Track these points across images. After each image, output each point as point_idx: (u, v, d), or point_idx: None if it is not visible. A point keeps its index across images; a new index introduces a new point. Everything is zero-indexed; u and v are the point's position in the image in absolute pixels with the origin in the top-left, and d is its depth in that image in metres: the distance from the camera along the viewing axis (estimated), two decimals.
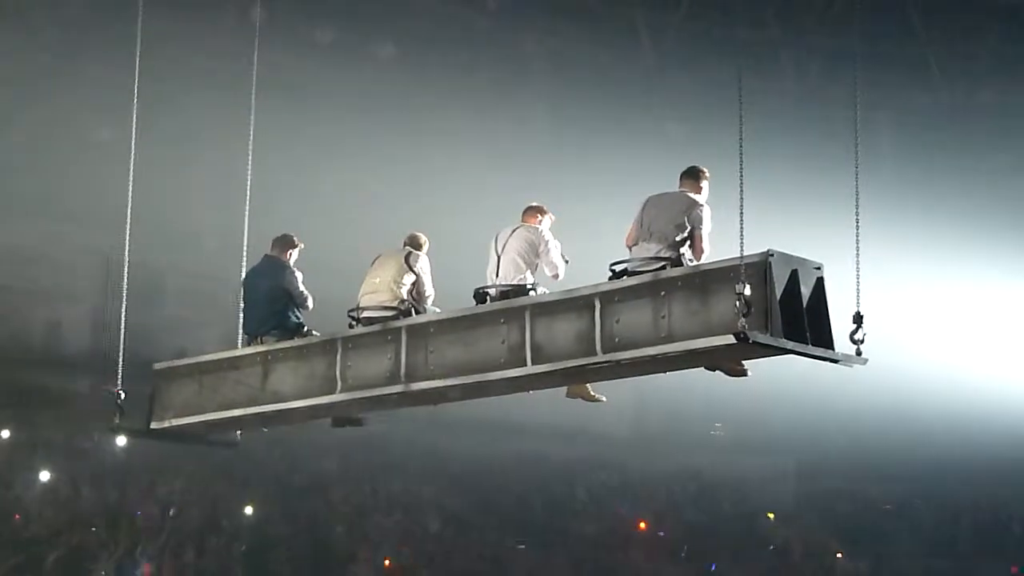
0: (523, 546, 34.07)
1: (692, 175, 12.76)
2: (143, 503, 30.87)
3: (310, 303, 14.31)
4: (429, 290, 13.55)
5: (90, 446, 30.82)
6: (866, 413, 25.18)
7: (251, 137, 15.23)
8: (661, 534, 36.75)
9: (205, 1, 20.67)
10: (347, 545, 32.41)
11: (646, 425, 31.25)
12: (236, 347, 14.58)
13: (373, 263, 13.72)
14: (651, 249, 12.25)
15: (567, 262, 13.28)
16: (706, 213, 12.34)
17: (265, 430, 16.11)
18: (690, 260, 12.18)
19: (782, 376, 12.56)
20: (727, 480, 37.16)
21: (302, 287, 14.28)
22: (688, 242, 12.26)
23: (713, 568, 36.25)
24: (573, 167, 18.65)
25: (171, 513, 30.86)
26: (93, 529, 29.46)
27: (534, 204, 13.46)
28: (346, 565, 31.66)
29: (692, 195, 12.57)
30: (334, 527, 32.63)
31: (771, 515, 39.27)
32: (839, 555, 38.21)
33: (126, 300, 15.16)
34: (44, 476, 30.38)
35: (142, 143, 16.36)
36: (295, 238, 14.50)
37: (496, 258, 13.02)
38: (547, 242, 13.11)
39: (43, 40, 26.86)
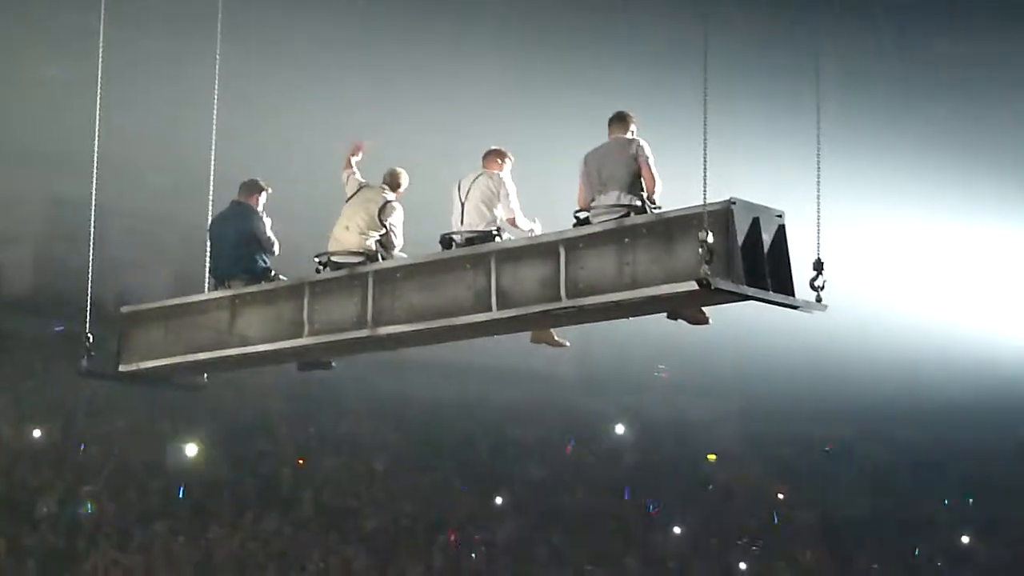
0: (465, 488, 34.37)
1: (620, 119, 12.95)
2: (86, 442, 30.98)
3: (276, 248, 14.36)
4: (399, 242, 13.67)
5: (33, 385, 30.88)
6: (810, 357, 25.39)
7: (216, 79, 15.26)
8: (604, 473, 37.13)
9: None
10: (292, 486, 32.68)
11: (591, 367, 31.25)
12: (203, 291, 14.63)
13: (349, 200, 13.75)
14: (611, 197, 12.41)
15: (534, 222, 13.34)
16: (645, 145, 12.56)
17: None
18: (647, 202, 12.43)
19: (729, 320, 12.78)
20: (670, 422, 37.46)
21: (269, 232, 14.32)
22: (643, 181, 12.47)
23: (653, 508, 36.69)
24: (536, 112, 18.65)
25: (114, 452, 31.04)
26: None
27: (494, 148, 13.57)
28: (289, 506, 31.88)
29: (625, 136, 12.82)
30: (280, 468, 32.88)
31: (712, 456, 39.74)
32: (780, 495, 38.79)
33: (92, 246, 15.13)
34: None
35: (93, 82, 16.42)
36: (262, 182, 14.50)
37: (460, 205, 13.15)
38: (506, 188, 13.21)
39: None
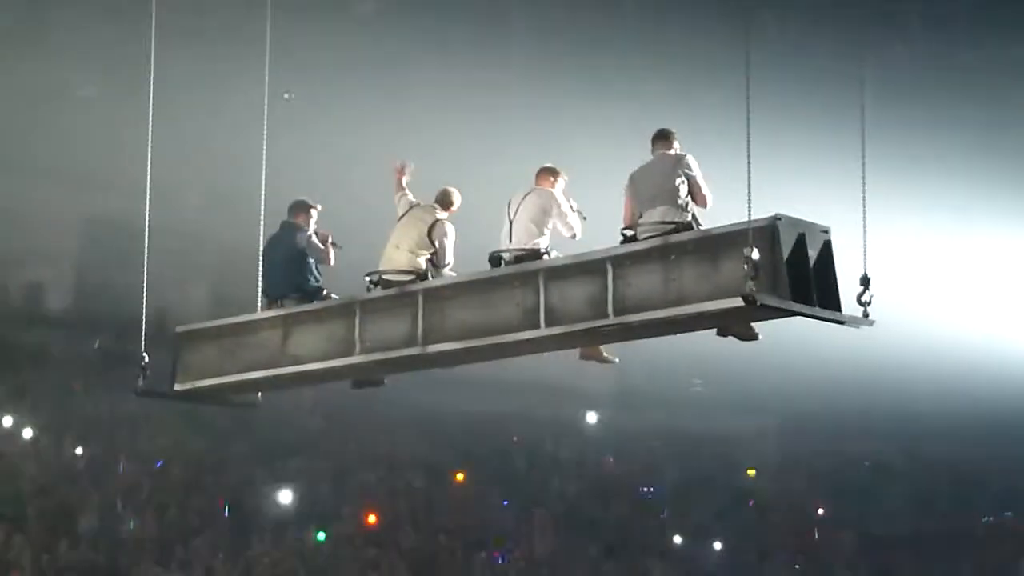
0: (507, 503, 34.51)
1: (663, 136, 13.07)
2: (127, 458, 31.18)
3: (332, 259, 14.65)
4: (449, 259, 13.89)
5: (73, 402, 31.06)
6: (851, 372, 25.46)
7: (266, 104, 15.54)
8: (645, 490, 37.30)
9: None
10: (332, 502, 32.89)
11: (628, 382, 31.39)
12: (255, 310, 14.83)
13: (401, 218, 14.03)
14: (657, 213, 12.52)
15: (584, 219, 13.57)
16: (692, 161, 12.71)
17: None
18: (693, 218, 12.60)
19: (768, 334, 12.92)
20: (709, 437, 37.56)
21: (321, 245, 14.56)
22: (689, 196, 12.68)
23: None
24: (581, 131, 18.72)
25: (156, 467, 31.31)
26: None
27: (547, 166, 13.70)
28: (331, 521, 32.11)
29: (670, 152, 12.96)
30: (319, 484, 33.07)
31: (752, 471, 39.84)
32: (820, 511, 38.88)
33: (146, 269, 15.24)
34: (27, 433, 30.67)
35: (129, 104, 16.63)
36: (310, 202, 14.76)
37: (509, 222, 13.32)
38: (559, 204, 13.37)
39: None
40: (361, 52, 25.51)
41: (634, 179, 12.88)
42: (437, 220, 13.86)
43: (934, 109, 27.70)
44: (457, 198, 14.18)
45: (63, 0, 25.70)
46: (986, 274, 29.98)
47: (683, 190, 12.54)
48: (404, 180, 14.23)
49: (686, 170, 12.61)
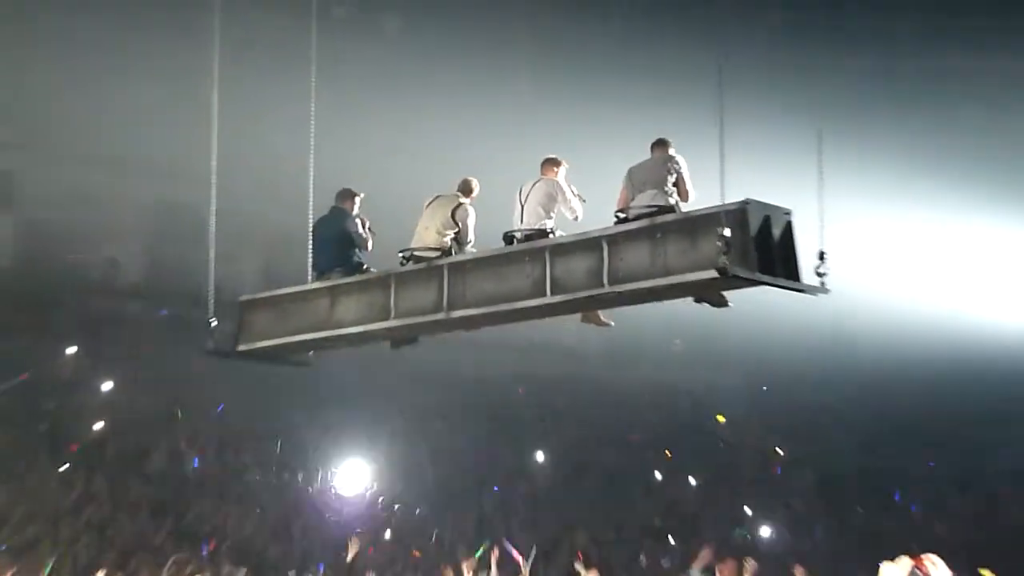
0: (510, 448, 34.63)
1: (661, 143, 13.37)
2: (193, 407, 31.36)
3: (370, 244, 14.81)
4: (471, 237, 14.10)
5: (144, 360, 31.20)
6: (810, 334, 25.58)
7: (312, 106, 15.66)
8: (628, 433, 37.42)
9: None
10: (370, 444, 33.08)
11: (617, 342, 31.45)
12: (306, 282, 15.08)
13: (428, 205, 14.26)
14: (646, 197, 12.81)
15: (584, 201, 13.81)
16: (682, 161, 12.99)
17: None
18: (677, 204, 12.84)
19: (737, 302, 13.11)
20: (685, 388, 37.75)
21: (363, 231, 14.77)
22: (676, 188, 12.91)
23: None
24: (586, 127, 18.75)
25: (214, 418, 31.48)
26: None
27: (550, 156, 13.86)
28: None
29: (666, 153, 13.20)
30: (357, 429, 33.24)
31: (721, 417, 39.98)
32: (780, 451, 39.08)
33: (214, 245, 15.43)
34: (106, 386, 30.80)
35: (190, 106, 16.77)
36: (354, 190, 14.97)
37: (520, 207, 13.59)
38: (563, 191, 13.62)
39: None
40: (391, 62, 25.60)
41: (631, 171, 13.18)
42: (460, 204, 14.08)
43: (884, 111, 27.66)
44: (476, 185, 14.41)
45: (141, 22, 25.66)
46: (928, 249, 30.06)
47: (670, 180, 12.77)
48: None
49: (675, 166, 12.84)
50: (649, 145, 13.57)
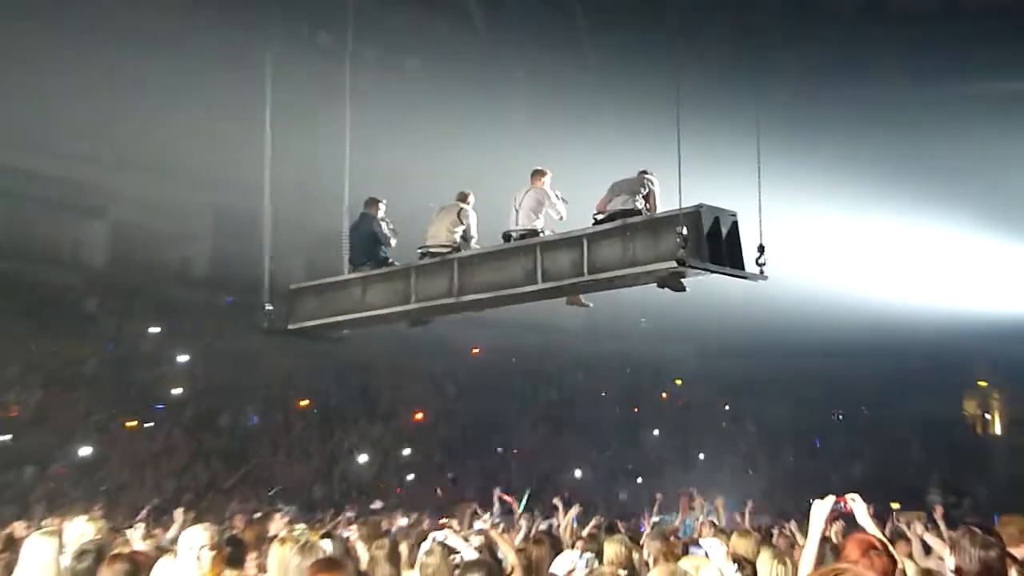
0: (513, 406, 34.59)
1: (642, 171, 13.16)
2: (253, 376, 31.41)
3: (393, 242, 14.65)
4: (473, 233, 13.92)
5: (214, 339, 31.21)
6: (751, 313, 25.52)
7: (347, 131, 15.60)
8: (603, 394, 37.48)
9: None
10: (390, 403, 33.15)
11: (594, 320, 31.30)
12: (343, 274, 14.92)
13: (437, 213, 14.09)
14: (619, 202, 12.71)
15: (566, 203, 13.63)
16: (655, 180, 12.86)
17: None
18: (644, 209, 12.73)
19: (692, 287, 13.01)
20: (649, 357, 37.72)
21: (387, 230, 14.63)
22: (646, 201, 12.79)
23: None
24: (564, 146, 18.61)
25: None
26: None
27: (537, 168, 13.74)
28: (389, 418, 32.30)
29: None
30: (382, 390, 33.32)
31: (678, 381, 40.02)
32: (727, 406, 39.27)
33: (268, 244, 15.49)
34: (182, 359, 30.86)
35: (248, 130, 16.67)
36: (378, 198, 14.79)
37: (515, 211, 13.48)
38: (549, 196, 13.46)
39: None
40: (411, 93, 25.55)
41: (614, 184, 13.10)
42: (462, 208, 13.96)
43: (816, 132, 27.56)
44: (471, 195, 14.24)
45: (207, 64, 25.46)
46: (847, 244, 30.12)
47: (642, 192, 12.65)
48: None
49: (650, 183, 12.73)
50: (617, 160, 13.61)
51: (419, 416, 33.28)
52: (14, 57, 25.44)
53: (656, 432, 37.09)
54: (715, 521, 15.06)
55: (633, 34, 26.61)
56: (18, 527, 13.73)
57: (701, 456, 35.12)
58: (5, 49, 25.31)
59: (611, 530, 10.88)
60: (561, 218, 13.52)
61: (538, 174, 13.74)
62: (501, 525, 14.24)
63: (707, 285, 12.68)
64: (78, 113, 28.44)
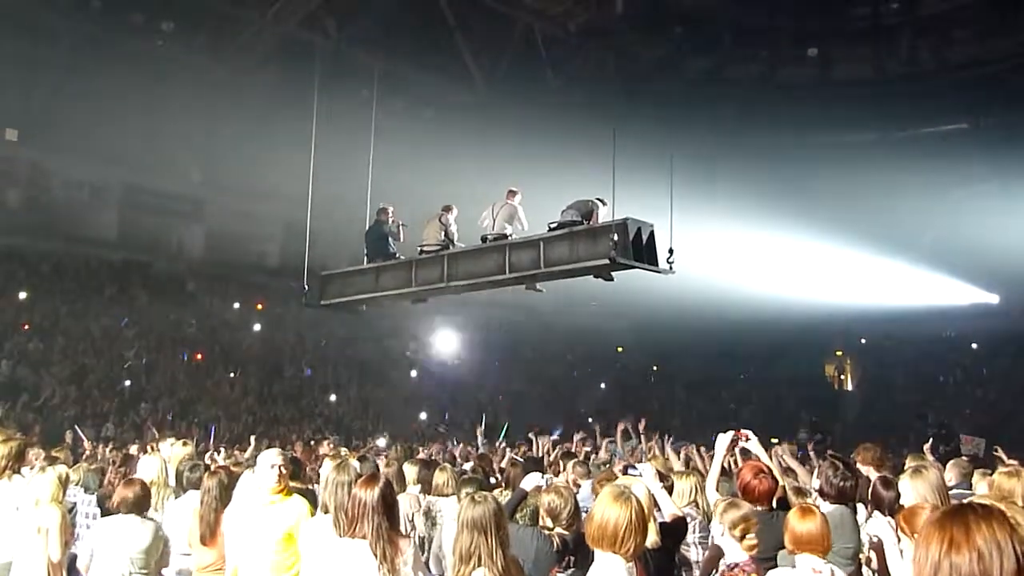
0: (498, 363, 34.23)
1: (598, 197, 12.58)
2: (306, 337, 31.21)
3: (402, 237, 14.30)
4: (454, 234, 13.51)
5: (281, 312, 31.05)
6: (670, 298, 25.10)
7: (371, 159, 15.30)
8: (569, 357, 37.30)
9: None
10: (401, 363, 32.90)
11: (557, 301, 30.87)
12: (362, 264, 14.65)
13: (428, 221, 13.72)
14: (569, 215, 12.32)
15: (523, 226, 13.20)
16: (602, 207, 12.29)
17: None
18: (589, 220, 12.36)
19: (627, 278, 12.69)
20: (597, 330, 37.41)
21: (396, 231, 14.30)
22: (588, 217, 12.40)
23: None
24: (537, 173, 18.10)
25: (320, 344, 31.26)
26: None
27: (512, 188, 13.37)
28: (386, 377, 31.90)
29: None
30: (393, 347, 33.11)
31: (620, 348, 39.81)
32: (655, 367, 39.05)
33: (308, 243, 15.03)
34: (256, 327, 30.67)
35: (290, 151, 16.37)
36: (386, 205, 14.50)
37: (492, 220, 13.09)
38: (518, 212, 13.06)
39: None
40: (425, 134, 25.31)
41: (572, 201, 12.50)
42: (442, 215, 13.61)
43: (721, 166, 27.35)
44: (453, 207, 13.84)
45: (271, 111, 25.11)
46: (745, 250, 29.94)
47: (587, 210, 12.23)
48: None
49: (595, 206, 12.25)
50: (573, 184, 13.30)
51: (413, 374, 32.88)
52: (135, 103, 25.22)
53: (603, 385, 36.82)
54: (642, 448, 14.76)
55: (588, 98, 26.70)
56: (133, 448, 13.68)
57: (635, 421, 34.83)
58: (130, 98, 25.05)
59: (568, 456, 10.68)
60: (524, 229, 13.12)
61: (512, 193, 13.37)
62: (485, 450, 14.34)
63: (641, 278, 12.41)
64: (180, 144, 28.32)
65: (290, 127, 19.04)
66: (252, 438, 14.88)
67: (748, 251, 30.19)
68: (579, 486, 8.26)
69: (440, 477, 7.50)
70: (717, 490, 6.08)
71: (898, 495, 5.47)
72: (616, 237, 11.13)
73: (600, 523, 3.69)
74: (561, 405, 32.53)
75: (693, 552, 6.44)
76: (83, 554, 6.13)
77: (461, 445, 17.13)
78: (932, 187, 29.99)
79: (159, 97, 25.53)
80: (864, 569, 5.23)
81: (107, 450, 14.42)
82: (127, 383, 25.31)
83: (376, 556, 4.26)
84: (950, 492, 5.69)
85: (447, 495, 7.31)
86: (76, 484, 8.19)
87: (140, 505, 6.03)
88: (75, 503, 7.94)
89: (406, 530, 7.29)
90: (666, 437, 16.17)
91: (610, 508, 3.71)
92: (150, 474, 7.34)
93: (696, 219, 17.60)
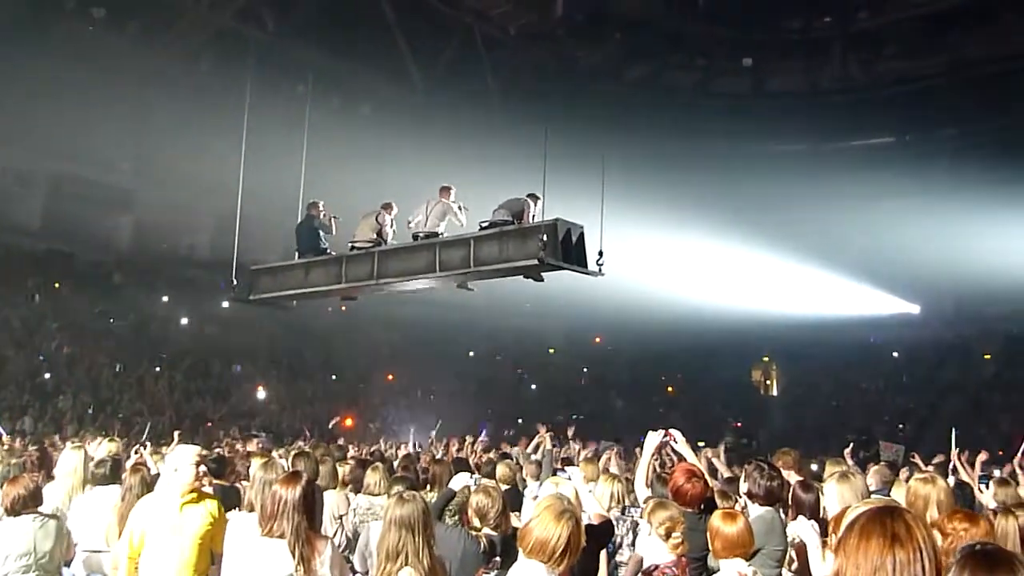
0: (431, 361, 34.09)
1: (531, 194, 12.44)
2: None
3: (333, 230, 14.05)
4: (389, 233, 13.32)
5: (207, 305, 30.48)
6: (597, 299, 25.19)
7: (304, 158, 15.08)
8: (498, 358, 37.30)
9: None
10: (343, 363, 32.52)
11: (491, 302, 30.79)
12: (293, 259, 14.38)
13: (363, 217, 13.51)
14: (499, 215, 12.26)
15: (467, 210, 13.02)
16: (532, 205, 12.24)
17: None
18: (522, 220, 12.30)
19: (557, 279, 12.72)
20: (531, 330, 37.47)
21: (327, 224, 14.04)
22: (519, 217, 12.35)
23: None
24: (469, 170, 17.96)
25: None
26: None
27: (445, 185, 13.20)
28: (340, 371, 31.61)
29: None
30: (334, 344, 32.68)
31: (552, 349, 39.95)
32: (585, 369, 39.29)
33: (237, 237, 14.85)
34: (184, 321, 30.09)
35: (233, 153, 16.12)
36: (317, 200, 14.22)
37: (424, 217, 12.93)
38: (452, 208, 12.89)
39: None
40: (361, 131, 24.96)
41: (505, 200, 12.42)
42: (379, 213, 13.40)
43: (654, 172, 27.29)
44: (392, 204, 13.63)
45: (203, 103, 24.48)
46: (676, 256, 30.25)
47: (520, 206, 12.18)
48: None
49: (529, 206, 12.20)
50: (506, 183, 13.22)
51: (390, 377, 32.76)
52: (64, 89, 24.45)
53: (534, 387, 36.92)
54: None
55: (524, 99, 26.68)
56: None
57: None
58: (59, 84, 24.32)
59: (504, 457, 10.77)
60: (461, 224, 13.00)
61: (445, 189, 13.18)
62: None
63: (574, 281, 12.41)
64: (110, 133, 27.58)
65: (223, 119, 18.68)
66: (176, 434, 14.44)
67: (678, 257, 30.52)
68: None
69: (372, 476, 7.50)
70: (649, 487, 6.13)
71: (818, 498, 5.56)
72: (545, 238, 11.10)
73: (539, 538, 3.61)
74: (491, 405, 32.52)
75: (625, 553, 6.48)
76: None
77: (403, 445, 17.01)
78: (858, 199, 30.76)
79: (89, 84, 24.79)
80: (784, 570, 5.28)
81: (24, 444, 14.04)
82: (47, 376, 24.62)
83: (294, 556, 4.23)
84: (871, 497, 5.79)
85: (377, 495, 7.30)
86: None
87: (36, 498, 5.76)
88: None
89: (334, 528, 7.25)
90: (598, 444, 16.24)
91: (551, 526, 3.63)
92: (67, 468, 7.12)
93: (627, 223, 17.75)
